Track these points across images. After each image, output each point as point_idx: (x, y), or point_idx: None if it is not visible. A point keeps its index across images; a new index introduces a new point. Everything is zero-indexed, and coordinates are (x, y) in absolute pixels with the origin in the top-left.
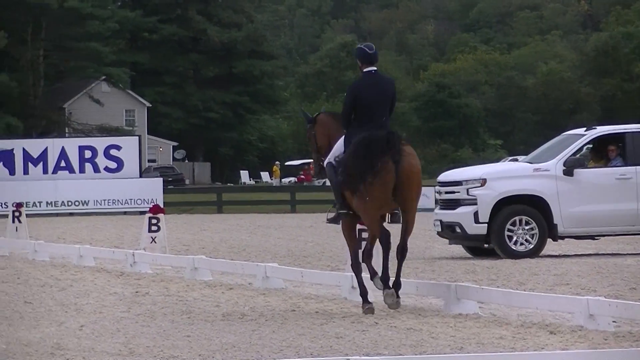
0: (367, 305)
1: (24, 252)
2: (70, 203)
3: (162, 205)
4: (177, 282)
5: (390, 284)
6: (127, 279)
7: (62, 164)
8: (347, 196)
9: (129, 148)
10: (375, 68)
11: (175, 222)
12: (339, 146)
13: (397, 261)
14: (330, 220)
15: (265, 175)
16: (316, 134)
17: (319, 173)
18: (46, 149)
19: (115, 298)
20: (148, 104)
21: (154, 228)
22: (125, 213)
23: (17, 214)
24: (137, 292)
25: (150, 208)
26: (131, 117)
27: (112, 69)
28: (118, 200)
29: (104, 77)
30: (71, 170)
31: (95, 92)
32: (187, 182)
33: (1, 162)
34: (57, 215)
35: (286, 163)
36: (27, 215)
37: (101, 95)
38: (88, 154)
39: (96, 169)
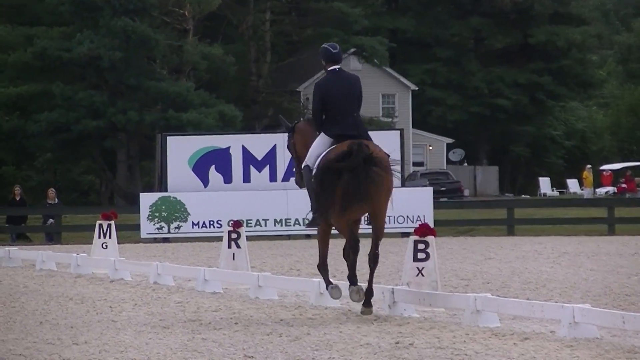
0: (331, 285)
1: (243, 289)
2: (306, 221)
3: (432, 225)
4: (453, 330)
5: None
6: (384, 325)
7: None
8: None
9: (387, 146)
10: (339, 66)
11: (450, 248)
12: (315, 148)
13: (369, 269)
14: (308, 225)
15: (573, 184)
16: (295, 143)
17: (301, 181)
18: (274, 148)
19: (367, 351)
20: (413, 87)
21: (420, 256)
22: None
23: (234, 235)
24: (397, 342)
25: (416, 228)
26: (390, 103)
27: (364, 38)
28: None
29: (353, 50)
30: None
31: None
32: (466, 192)
33: (213, 166)
34: (288, 237)
35: (601, 167)
36: (248, 238)
37: None
38: None
39: None
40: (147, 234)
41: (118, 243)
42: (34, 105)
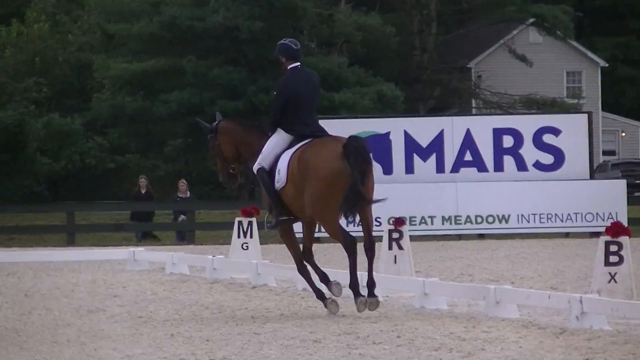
0: (327, 302)
1: (406, 296)
2: (479, 219)
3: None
4: None
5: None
6: (570, 340)
7: (467, 157)
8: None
9: (572, 132)
10: (299, 64)
11: None
12: (272, 148)
13: (367, 260)
14: (270, 227)
15: None
16: (220, 143)
17: (228, 182)
18: (441, 134)
19: None
20: (603, 63)
21: (613, 259)
22: (567, 235)
23: (395, 235)
24: None
25: (607, 228)
26: (576, 83)
27: (545, 7)
28: (556, 215)
29: (532, 21)
30: (481, 167)
31: (518, 43)
32: None
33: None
34: (459, 237)
35: None
36: (412, 238)
37: (528, 48)
38: (508, 141)
39: (521, 166)
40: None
41: (260, 243)
42: (161, 84)
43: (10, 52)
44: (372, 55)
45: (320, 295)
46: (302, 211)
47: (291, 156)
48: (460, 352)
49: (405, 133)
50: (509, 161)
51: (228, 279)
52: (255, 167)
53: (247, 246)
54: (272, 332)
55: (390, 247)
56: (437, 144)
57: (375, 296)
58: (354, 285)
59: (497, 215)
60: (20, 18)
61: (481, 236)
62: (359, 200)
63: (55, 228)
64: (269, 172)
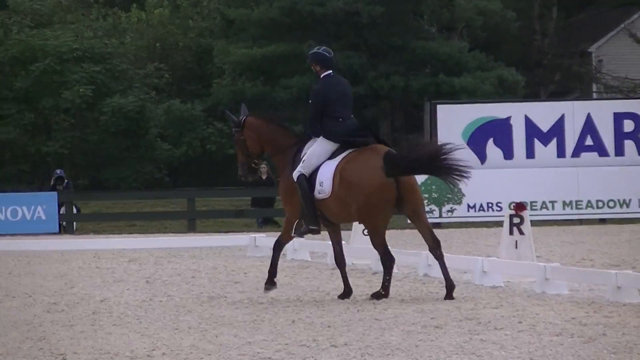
0: (267, 286)
1: (527, 282)
2: (600, 204)
3: None
4: None
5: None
6: None
7: (588, 141)
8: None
9: None
10: (332, 71)
11: None
12: (315, 156)
13: (438, 261)
14: (299, 235)
15: None
16: (246, 139)
17: (247, 175)
18: (562, 119)
19: None
20: None
21: None
22: None
23: (516, 220)
24: None
25: None
26: None
27: None
28: None
29: None
30: (602, 151)
31: (639, 27)
32: None
33: (491, 139)
34: (580, 222)
35: None
36: (533, 223)
37: None
38: (628, 125)
39: None
40: None
41: None
42: (281, 69)
43: (130, 38)
44: (493, 39)
45: (273, 275)
46: (340, 219)
47: (335, 169)
48: (582, 337)
49: (526, 118)
50: (629, 145)
51: (349, 265)
52: (296, 175)
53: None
54: (393, 318)
55: (511, 232)
56: (557, 129)
57: (453, 298)
58: (385, 291)
59: (618, 200)
60: (140, 4)
61: (602, 221)
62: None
63: (176, 214)
64: (309, 180)
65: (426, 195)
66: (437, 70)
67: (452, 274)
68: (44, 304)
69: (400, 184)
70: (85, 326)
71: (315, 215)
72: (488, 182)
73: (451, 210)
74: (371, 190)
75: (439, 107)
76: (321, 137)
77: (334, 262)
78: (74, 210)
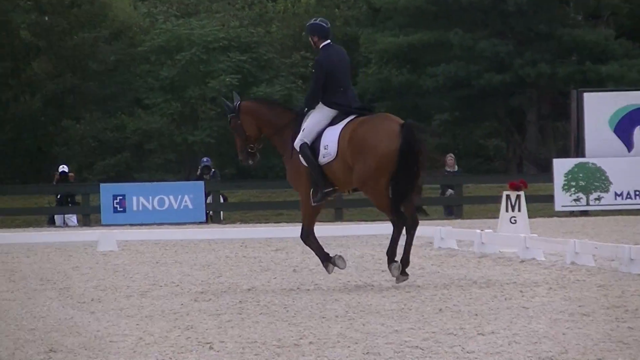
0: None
1: None
2: None
3: None
4: None
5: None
6: None
7: None
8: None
9: None
10: (330, 41)
11: None
12: (315, 124)
13: (406, 237)
14: (317, 201)
15: None
16: (242, 123)
17: (247, 159)
18: None
19: None
20: None
21: None
22: None
23: None
24: None
25: None
26: None
27: None
28: None
29: None
30: None
31: None
32: None
33: (638, 127)
34: None
35: None
36: None
37: None
38: None
39: None
40: (562, 206)
41: (529, 217)
42: (428, 57)
43: (276, 27)
44: (639, 27)
45: (326, 259)
46: (345, 185)
47: (340, 132)
48: None
49: None
50: None
51: (496, 253)
52: (297, 144)
53: (515, 220)
54: (540, 306)
55: None
56: None
57: (406, 275)
58: (391, 252)
59: None
60: None
61: None
62: (408, 183)
63: None
64: (312, 148)
65: (573, 184)
66: (583, 58)
67: (599, 262)
68: (192, 293)
69: (415, 149)
70: (232, 315)
71: (324, 179)
72: (635, 170)
73: (598, 198)
74: (386, 152)
75: (585, 95)
76: (320, 104)
77: (480, 250)
78: (221, 200)
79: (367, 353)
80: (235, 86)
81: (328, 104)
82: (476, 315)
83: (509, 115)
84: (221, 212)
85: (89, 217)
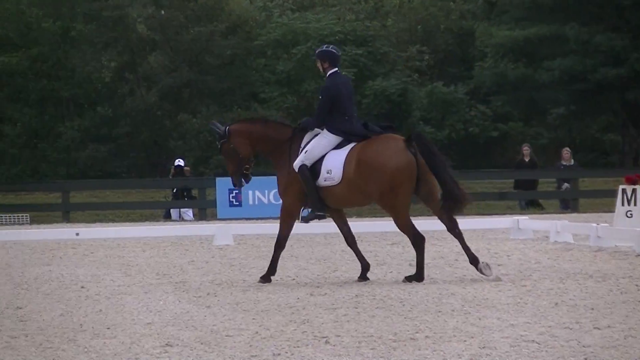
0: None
1: None
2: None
3: None
4: None
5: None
6: None
7: None
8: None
9: None
10: (337, 69)
11: None
12: (317, 148)
13: (458, 239)
14: (304, 221)
15: None
16: (236, 146)
17: (240, 183)
18: None
19: None
20: None
21: None
22: None
23: None
24: None
25: None
26: None
27: None
28: None
29: None
30: None
31: None
32: None
33: None
34: None
35: None
36: None
37: None
38: None
39: None
40: None
41: None
42: (544, 51)
43: (392, 20)
44: None
45: (273, 272)
46: (348, 205)
47: (346, 157)
48: None
49: None
50: None
51: (612, 247)
52: (297, 165)
53: (631, 214)
54: None
55: None
56: None
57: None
58: (419, 275)
59: None
60: None
61: None
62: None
63: None
64: (312, 170)
65: None
66: None
67: None
68: (308, 287)
69: (419, 163)
70: (348, 309)
71: (321, 202)
72: None
73: None
74: (397, 167)
75: None
76: (326, 130)
77: (596, 244)
78: None
79: (483, 347)
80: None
81: (334, 131)
82: (592, 309)
83: (624, 109)
84: None
85: (205, 211)
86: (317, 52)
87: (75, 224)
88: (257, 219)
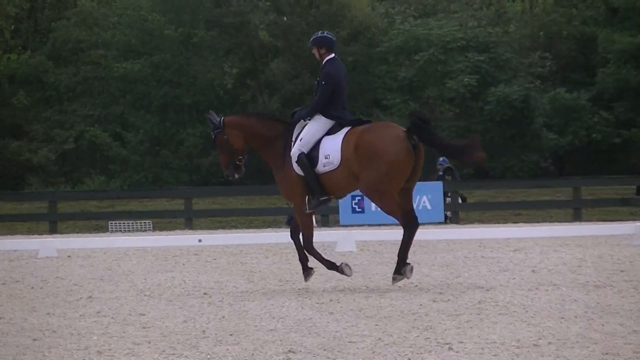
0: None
1: None
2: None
3: None
4: None
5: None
6: None
7: None
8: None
9: None
10: (334, 55)
11: None
12: (312, 134)
13: (408, 235)
14: (312, 208)
15: None
16: (229, 137)
17: (233, 174)
18: None
19: None
20: None
21: None
22: None
23: None
24: None
25: None
26: None
27: None
28: None
29: None
30: None
31: None
32: None
33: None
34: None
35: None
36: None
37: None
38: None
39: None
40: None
41: None
42: None
43: (514, 26)
44: None
45: (333, 266)
46: (344, 191)
47: (342, 140)
48: None
49: None
50: None
51: None
52: (295, 153)
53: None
54: None
55: None
56: None
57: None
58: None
59: None
60: None
61: None
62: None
63: (561, 203)
64: (309, 157)
65: None
66: None
67: None
68: (430, 294)
69: (417, 154)
70: (471, 315)
71: (322, 188)
72: None
73: None
74: (397, 154)
75: None
76: (318, 114)
77: None
78: (459, 200)
79: (606, 354)
80: (473, 86)
81: (327, 115)
82: None
83: None
84: (459, 212)
85: (328, 218)
86: (312, 39)
87: (198, 230)
88: (380, 225)
